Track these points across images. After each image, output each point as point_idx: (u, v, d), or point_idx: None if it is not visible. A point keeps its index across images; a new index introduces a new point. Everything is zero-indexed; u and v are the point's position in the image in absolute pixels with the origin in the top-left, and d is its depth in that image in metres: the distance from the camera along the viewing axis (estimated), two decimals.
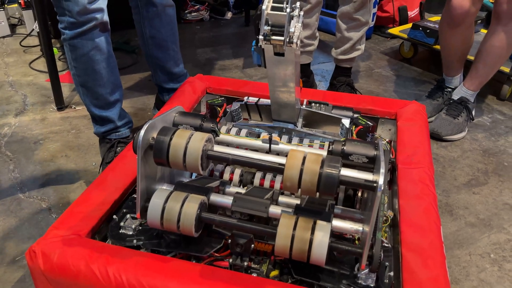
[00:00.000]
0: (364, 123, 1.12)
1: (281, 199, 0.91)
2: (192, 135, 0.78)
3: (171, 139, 0.77)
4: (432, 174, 1.04)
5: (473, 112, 1.59)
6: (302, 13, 0.78)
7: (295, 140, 1.04)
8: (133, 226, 0.87)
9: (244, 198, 0.84)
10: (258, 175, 1.01)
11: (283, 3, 0.72)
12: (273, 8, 0.72)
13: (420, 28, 2.04)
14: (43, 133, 1.55)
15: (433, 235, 0.87)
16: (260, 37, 0.76)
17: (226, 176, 1.02)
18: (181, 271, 0.77)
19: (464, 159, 1.45)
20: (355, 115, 1.18)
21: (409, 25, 2.18)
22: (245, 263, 0.81)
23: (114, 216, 0.90)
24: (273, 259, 0.83)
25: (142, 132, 0.77)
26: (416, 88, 1.93)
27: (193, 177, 1.01)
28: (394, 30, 2.25)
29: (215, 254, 0.83)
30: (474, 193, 1.30)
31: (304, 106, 1.22)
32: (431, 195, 0.97)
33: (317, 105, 1.24)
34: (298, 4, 0.76)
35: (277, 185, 0.99)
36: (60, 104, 1.70)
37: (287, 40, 0.75)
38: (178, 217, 0.77)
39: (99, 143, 1.35)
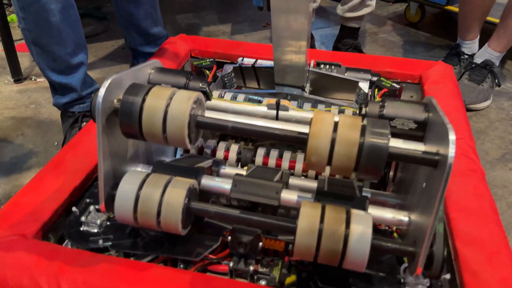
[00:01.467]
0: (389, 85, 0.91)
1: (292, 181, 0.69)
2: (174, 93, 0.55)
3: (144, 99, 0.54)
4: (474, 146, 0.84)
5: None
6: None
7: (306, 106, 0.82)
8: (99, 222, 0.66)
9: (247, 181, 0.63)
10: (261, 151, 0.80)
11: None
12: None
13: None
14: None
15: (491, 222, 0.67)
16: None
17: (220, 154, 0.80)
18: (164, 281, 0.57)
19: (493, 130, 1.26)
20: (375, 78, 0.97)
21: None
22: (251, 267, 0.61)
23: (74, 209, 0.68)
24: (287, 261, 0.63)
25: (102, 90, 0.54)
26: (427, 53, 1.72)
27: (178, 157, 0.80)
28: None
29: (210, 256, 0.62)
30: (511, 169, 1.11)
31: (311, 68, 1.00)
32: (478, 171, 0.78)
33: (327, 66, 1.02)
34: None
35: (285, 164, 0.78)
36: (17, 76, 1.45)
37: None
38: (158, 210, 0.55)
39: (61, 118, 1.11)
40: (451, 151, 0.47)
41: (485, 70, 1.36)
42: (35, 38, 0.96)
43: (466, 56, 1.48)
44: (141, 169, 0.66)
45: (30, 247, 0.60)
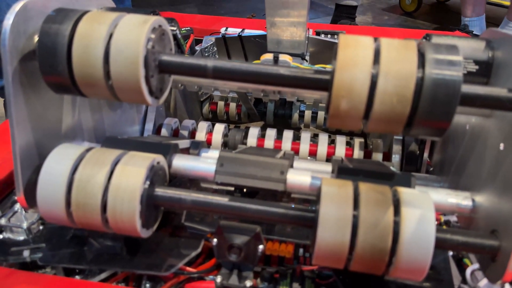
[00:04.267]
0: None
1: (299, 165, 0.51)
2: (122, 17, 0.36)
3: (75, 27, 0.35)
4: None
5: None
6: None
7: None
8: (26, 225, 0.46)
9: (238, 159, 0.44)
10: (254, 131, 0.62)
11: None
12: None
13: None
14: None
15: None
16: None
17: (201, 136, 0.62)
18: None
19: None
20: None
21: None
22: (247, 283, 0.42)
23: None
24: (299, 272, 0.44)
25: (11, 16, 0.35)
26: None
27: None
28: None
29: (188, 269, 0.43)
30: None
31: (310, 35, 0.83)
32: None
33: (329, 36, 0.85)
34: None
35: (286, 145, 0.61)
36: None
37: None
38: (103, 200, 0.36)
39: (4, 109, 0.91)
40: None
41: None
42: None
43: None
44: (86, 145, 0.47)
45: None
